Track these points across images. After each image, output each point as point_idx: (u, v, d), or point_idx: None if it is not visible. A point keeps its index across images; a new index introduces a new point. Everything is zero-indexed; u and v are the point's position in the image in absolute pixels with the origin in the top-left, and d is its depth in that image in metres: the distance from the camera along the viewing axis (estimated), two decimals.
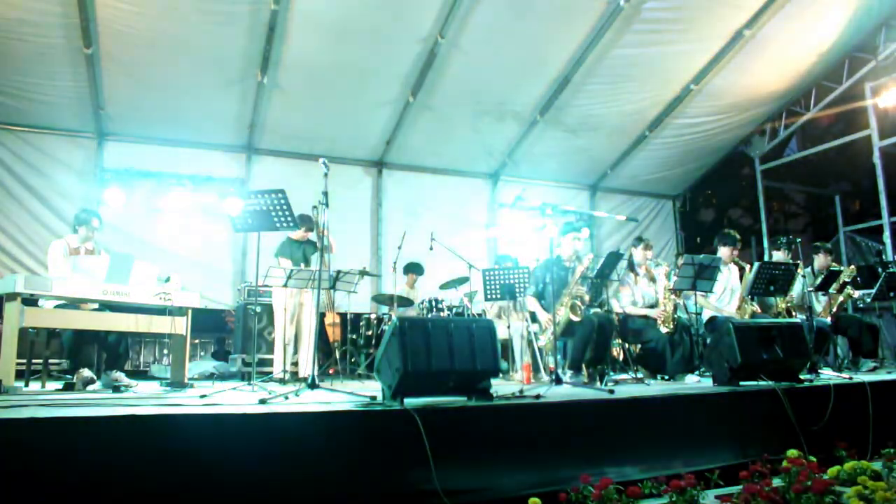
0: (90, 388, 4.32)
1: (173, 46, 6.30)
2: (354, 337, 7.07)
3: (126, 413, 2.41)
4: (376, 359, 3.19)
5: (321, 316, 6.29)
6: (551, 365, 4.98)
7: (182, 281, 5.12)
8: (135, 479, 2.25)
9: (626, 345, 6.00)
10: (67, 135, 7.16)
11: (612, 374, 5.34)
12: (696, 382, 4.83)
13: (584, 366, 4.94)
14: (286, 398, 3.31)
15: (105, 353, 4.67)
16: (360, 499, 2.56)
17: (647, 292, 5.48)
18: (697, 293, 5.34)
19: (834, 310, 6.19)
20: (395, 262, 6.71)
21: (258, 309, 6.04)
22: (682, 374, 5.08)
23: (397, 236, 6.83)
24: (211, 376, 6.70)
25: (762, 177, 9.70)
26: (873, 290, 6.14)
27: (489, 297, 5.65)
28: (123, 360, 4.80)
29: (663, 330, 5.14)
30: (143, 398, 3.57)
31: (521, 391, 3.57)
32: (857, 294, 6.47)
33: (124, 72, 6.51)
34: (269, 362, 6.16)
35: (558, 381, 4.28)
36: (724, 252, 5.73)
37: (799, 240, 5.99)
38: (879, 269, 6.33)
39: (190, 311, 4.72)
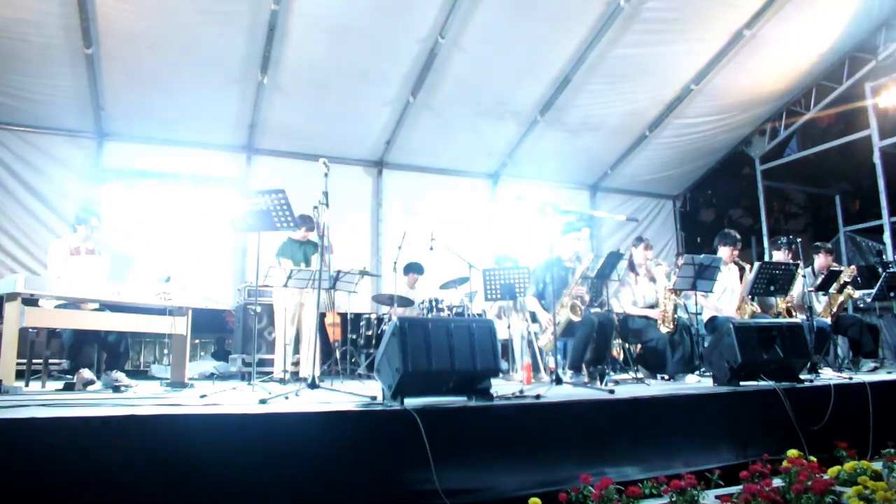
0: (90, 388, 4.32)
1: (173, 46, 6.30)
2: (354, 337, 7.07)
3: (126, 413, 2.41)
4: (376, 359, 3.19)
5: (321, 316, 6.28)
6: (551, 365, 4.98)
7: (182, 281, 5.13)
8: (135, 479, 2.25)
9: (626, 345, 6.00)
10: (67, 135, 7.16)
11: (611, 374, 5.34)
12: (696, 382, 4.83)
13: (584, 366, 4.94)
14: (286, 398, 3.31)
15: (105, 353, 4.67)
16: (360, 499, 2.55)
17: (647, 292, 5.48)
18: (697, 293, 5.34)
19: (834, 310, 6.19)
20: (395, 262, 6.71)
21: (258, 309, 6.04)
22: (682, 374, 5.08)
23: (397, 236, 6.83)
24: (211, 376, 6.70)
25: (762, 177, 9.70)
26: (873, 290, 6.14)
27: (489, 297, 5.65)
28: (123, 360, 4.80)
29: (663, 330, 5.14)
30: (143, 398, 3.57)
31: (521, 391, 3.57)
32: (857, 294, 6.47)
33: (124, 72, 6.51)
34: (270, 362, 6.16)
35: (558, 381, 4.28)
36: (724, 252, 5.73)
37: (799, 240, 5.99)
38: (880, 269, 6.32)
39: (190, 311, 4.73)
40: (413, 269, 7.45)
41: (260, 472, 2.42)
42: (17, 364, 3.94)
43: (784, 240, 5.99)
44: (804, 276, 6.05)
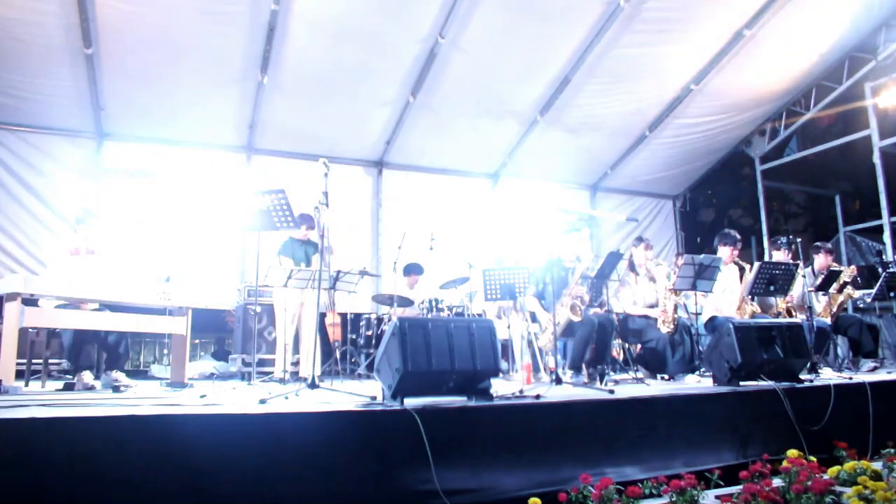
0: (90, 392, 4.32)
1: (173, 46, 6.30)
2: (354, 337, 7.07)
3: (126, 413, 2.41)
4: (376, 359, 3.19)
5: (321, 316, 6.28)
6: (551, 365, 4.98)
7: (182, 280, 5.13)
8: (135, 478, 2.25)
9: (626, 345, 6.00)
10: (67, 135, 7.15)
11: (611, 374, 5.34)
12: (696, 382, 4.83)
13: (584, 366, 4.94)
14: (286, 398, 3.31)
15: (105, 353, 4.67)
16: (360, 499, 2.55)
17: (647, 292, 5.48)
18: (697, 293, 5.34)
19: (834, 310, 6.19)
20: (395, 262, 6.71)
21: (258, 309, 6.04)
22: (682, 374, 5.08)
23: (397, 236, 6.82)
24: (211, 376, 6.70)
25: (762, 177, 9.70)
26: (873, 290, 6.14)
27: (489, 297, 5.65)
28: (123, 360, 4.80)
29: (664, 330, 5.13)
30: (143, 398, 3.57)
31: (521, 391, 3.57)
32: (857, 294, 6.47)
33: (124, 72, 6.51)
34: (270, 362, 6.16)
35: (558, 381, 4.28)
36: (724, 252, 5.72)
37: (799, 240, 5.99)
38: (879, 269, 6.32)
39: (190, 311, 4.72)
40: (413, 270, 7.44)
41: (260, 472, 2.42)
42: (17, 364, 3.94)
43: (784, 240, 5.99)
44: (804, 276, 6.05)
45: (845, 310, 6.46)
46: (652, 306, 5.38)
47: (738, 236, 5.85)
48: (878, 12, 7.58)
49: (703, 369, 5.18)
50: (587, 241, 8.92)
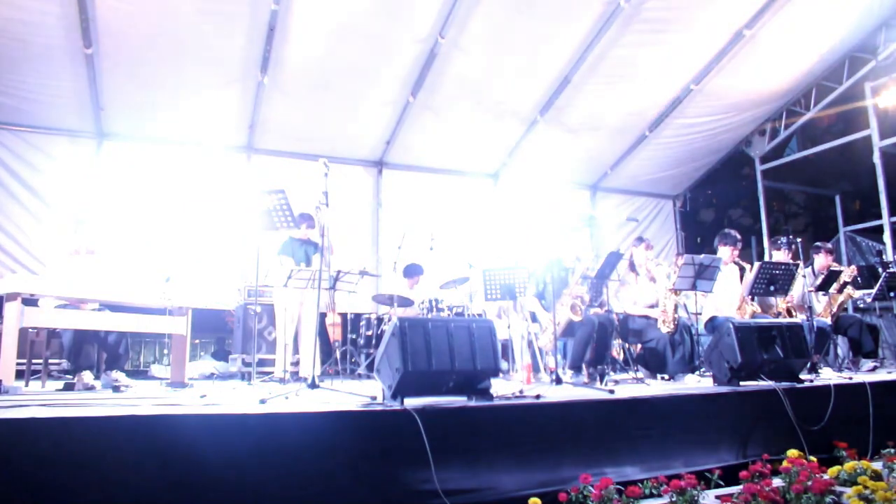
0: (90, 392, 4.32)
1: (173, 46, 6.30)
2: (354, 337, 7.07)
3: (126, 413, 2.41)
4: (376, 359, 3.19)
5: (322, 316, 6.28)
6: (551, 365, 4.98)
7: (182, 281, 5.13)
8: (134, 478, 2.25)
9: (626, 345, 6.00)
10: (67, 135, 7.15)
11: (611, 374, 5.34)
12: (696, 382, 4.83)
13: (584, 366, 4.94)
14: (286, 398, 3.31)
15: (105, 353, 4.68)
16: (360, 499, 2.55)
17: (647, 292, 5.48)
18: (697, 293, 5.34)
19: (834, 310, 6.19)
20: (395, 262, 6.71)
21: (258, 309, 6.04)
22: (682, 374, 5.08)
23: (397, 236, 6.83)
24: (211, 376, 6.70)
25: (762, 177, 9.70)
26: (873, 290, 6.14)
27: (489, 297, 5.65)
28: (123, 360, 4.81)
29: (664, 329, 5.13)
30: (143, 398, 3.57)
31: (521, 391, 3.57)
32: (857, 294, 6.47)
33: (124, 72, 6.51)
34: (270, 362, 6.16)
35: (558, 381, 4.28)
36: (724, 252, 5.72)
37: (799, 240, 5.99)
38: (880, 269, 6.32)
39: (190, 311, 4.72)
40: (413, 271, 7.44)
41: (260, 472, 2.42)
42: (17, 364, 3.94)
43: (784, 240, 5.99)
44: (804, 276, 6.04)
45: (845, 310, 6.46)
46: (652, 306, 5.38)
47: (739, 236, 5.85)
48: (878, 12, 7.59)
49: (703, 369, 5.18)
50: (587, 241, 8.93)
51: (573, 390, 4.03)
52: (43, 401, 3.23)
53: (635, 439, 3.22)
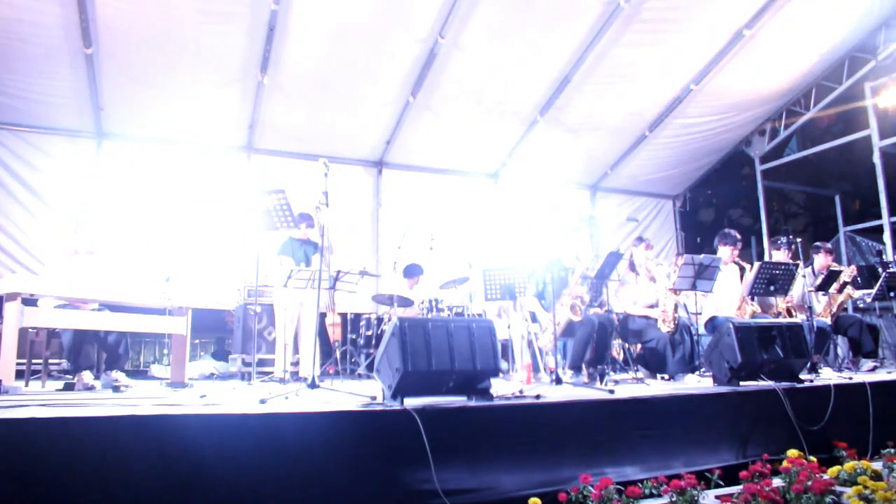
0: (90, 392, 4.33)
1: (173, 46, 6.29)
2: (354, 337, 7.07)
3: (126, 413, 2.41)
4: (376, 359, 3.19)
5: (321, 316, 6.28)
6: (551, 365, 4.98)
7: (182, 281, 5.13)
8: (134, 478, 2.25)
9: (626, 345, 6.00)
10: (67, 135, 7.15)
11: (611, 374, 5.34)
12: (696, 382, 4.82)
13: (584, 366, 4.94)
14: (286, 398, 3.31)
15: (105, 353, 4.67)
16: (360, 499, 2.55)
17: (647, 292, 5.48)
18: (697, 293, 5.34)
19: (834, 310, 6.19)
20: (394, 262, 6.71)
21: (258, 309, 6.04)
22: (682, 374, 5.08)
23: (397, 236, 6.83)
24: (211, 376, 6.70)
25: (762, 177, 9.70)
26: (873, 290, 6.14)
27: (489, 297, 5.65)
28: (123, 360, 4.80)
29: (664, 329, 5.13)
30: (143, 398, 3.57)
31: (521, 391, 3.57)
32: (857, 294, 6.47)
33: (124, 72, 6.51)
34: (270, 362, 6.16)
35: (558, 381, 4.28)
36: (724, 252, 5.72)
37: (799, 240, 5.99)
38: (880, 269, 6.32)
39: (190, 311, 4.72)
40: (413, 271, 7.45)
41: (260, 472, 2.42)
42: (17, 364, 3.94)
43: (784, 240, 5.99)
44: (804, 276, 6.05)
45: (845, 310, 6.46)
46: (652, 306, 5.38)
47: (739, 236, 5.85)
48: (878, 12, 7.59)
49: (703, 369, 5.18)
50: (587, 241, 8.93)
51: (573, 390, 4.03)
52: (43, 401, 3.23)
53: (635, 439, 3.22)
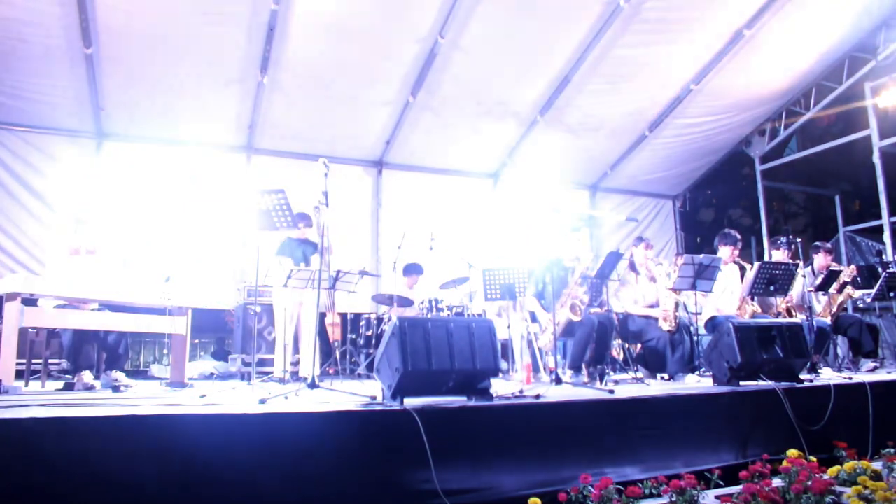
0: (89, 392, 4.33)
1: (173, 46, 6.30)
2: (354, 337, 7.07)
3: (126, 413, 2.41)
4: (376, 359, 3.19)
5: (321, 316, 6.28)
6: (551, 365, 4.98)
7: (182, 280, 5.13)
8: (134, 478, 2.25)
9: (626, 345, 6.00)
10: (67, 135, 7.15)
11: (611, 374, 5.34)
12: (696, 382, 4.83)
13: (584, 366, 4.94)
14: (286, 398, 3.31)
15: (105, 353, 4.68)
16: (360, 498, 2.55)
17: (647, 292, 5.48)
18: (698, 293, 5.34)
19: (834, 310, 6.19)
20: (394, 262, 6.71)
21: (258, 309, 6.04)
22: (681, 374, 5.08)
23: (397, 236, 6.83)
24: (211, 376, 6.70)
25: (762, 177, 9.70)
26: (873, 290, 6.14)
27: (489, 297, 5.65)
28: (123, 360, 4.81)
29: (665, 327, 5.13)
30: (143, 398, 3.57)
31: (521, 391, 3.57)
32: (856, 294, 6.47)
33: (124, 72, 6.51)
34: (269, 362, 6.16)
35: (558, 381, 4.28)
36: (724, 252, 5.73)
37: (799, 240, 5.99)
38: (879, 269, 6.32)
39: (190, 311, 4.72)
40: (413, 270, 7.45)
41: (259, 472, 2.42)
42: (17, 364, 3.94)
43: (784, 240, 5.99)
44: (804, 276, 6.05)
45: (845, 310, 6.47)
46: (652, 306, 5.38)
47: (739, 236, 5.85)
48: (878, 12, 7.59)
49: (702, 369, 5.18)
50: (587, 241, 8.93)
51: (573, 390, 4.03)
52: (43, 401, 3.23)
53: (635, 439, 3.22)
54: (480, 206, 9.10)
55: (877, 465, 3.20)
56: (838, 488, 2.85)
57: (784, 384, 3.91)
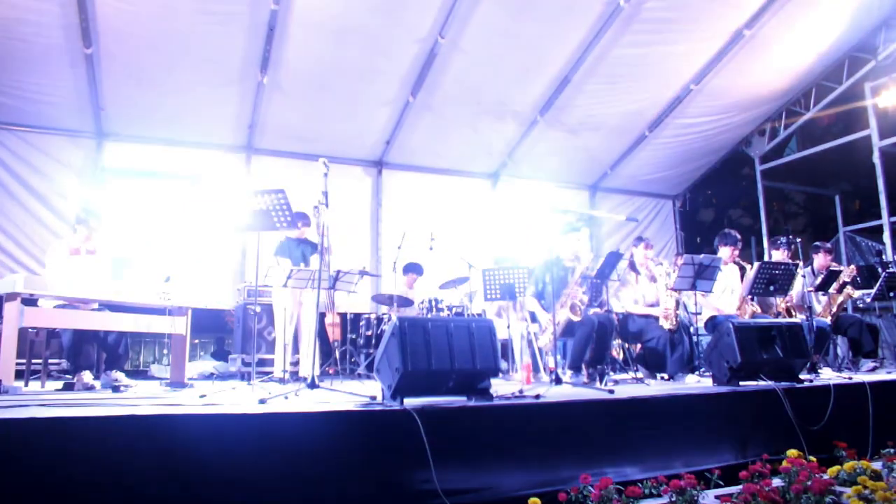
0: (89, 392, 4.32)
1: (173, 46, 6.30)
2: (354, 337, 7.07)
3: (126, 413, 2.41)
4: (376, 359, 3.19)
5: (321, 316, 6.28)
6: (551, 365, 4.98)
7: (182, 281, 5.13)
8: (134, 479, 2.24)
9: (626, 345, 6.00)
10: (67, 135, 7.16)
11: (611, 374, 5.34)
12: (696, 382, 4.82)
13: (583, 366, 4.94)
14: (286, 398, 3.31)
15: (105, 353, 4.67)
16: (360, 499, 2.55)
17: (648, 292, 5.48)
18: (697, 293, 5.34)
19: (834, 310, 6.19)
20: (394, 262, 6.71)
21: (258, 309, 6.04)
22: (681, 373, 5.08)
23: (397, 236, 6.83)
24: (210, 376, 6.70)
25: (762, 177, 9.70)
26: (873, 290, 6.14)
27: (489, 297, 5.65)
28: (123, 360, 4.80)
29: (666, 326, 5.13)
30: (143, 398, 3.57)
31: (521, 391, 3.57)
32: (856, 294, 6.47)
33: (124, 72, 6.51)
34: (269, 362, 6.16)
35: (558, 381, 4.28)
36: (724, 252, 5.73)
37: (798, 240, 5.99)
38: (879, 269, 6.32)
39: (190, 311, 4.72)
40: (412, 269, 7.45)
41: (259, 472, 2.42)
42: (17, 364, 3.94)
43: (783, 240, 5.99)
44: (804, 276, 6.05)
45: (845, 310, 6.47)
46: (653, 305, 5.38)
47: (739, 236, 5.85)
48: (878, 12, 7.59)
49: (702, 369, 5.18)
50: (587, 241, 8.93)
51: (573, 390, 4.02)
52: (42, 401, 3.23)
53: (635, 439, 3.22)
54: (480, 206, 9.10)
55: (877, 465, 3.20)
56: (838, 488, 2.85)
57: (784, 384, 3.91)
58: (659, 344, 5.13)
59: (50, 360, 5.23)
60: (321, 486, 2.50)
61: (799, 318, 5.73)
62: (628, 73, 7.54)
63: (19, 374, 4.27)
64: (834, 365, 5.88)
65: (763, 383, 3.98)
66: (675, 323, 5.13)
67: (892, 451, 3.55)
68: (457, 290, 7.13)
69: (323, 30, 6.42)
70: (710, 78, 7.78)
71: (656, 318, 5.23)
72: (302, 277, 5.24)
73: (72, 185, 7.10)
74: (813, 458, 3.18)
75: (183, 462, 2.32)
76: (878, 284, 6.04)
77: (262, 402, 3.06)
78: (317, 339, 4.29)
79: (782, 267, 5.32)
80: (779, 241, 6.11)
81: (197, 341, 9.48)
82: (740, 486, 2.82)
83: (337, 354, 6.46)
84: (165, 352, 7.69)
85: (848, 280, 6.17)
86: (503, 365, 6.04)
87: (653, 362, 5.30)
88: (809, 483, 2.79)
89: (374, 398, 3.18)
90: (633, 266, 5.56)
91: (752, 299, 5.63)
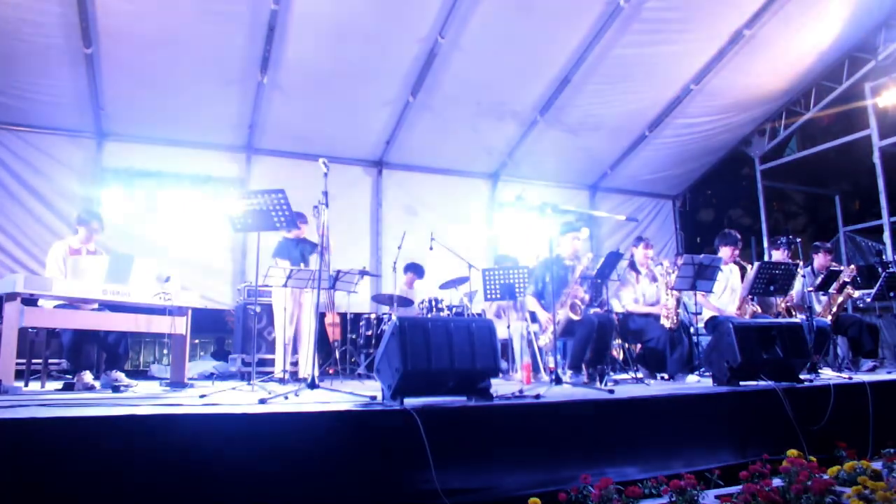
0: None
1: (173, 46, 6.30)
2: (354, 337, 7.07)
3: (126, 413, 2.41)
4: (376, 359, 3.19)
5: (321, 316, 6.28)
6: (551, 365, 4.98)
7: (182, 281, 5.12)
8: (134, 478, 2.25)
9: (626, 345, 6.00)
10: (67, 135, 7.16)
11: (611, 374, 5.34)
12: (696, 382, 4.83)
13: (584, 366, 4.94)
14: (286, 398, 3.31)
15: (105, 353, 4.67)
16: (360, 499, 2.55)
17: (648, 291, 5.48)
18: (697, 293, 5.34)
19: (834, 310, 6.19)
20: (394, 262, 6.71)
21: (258, 309, 6.04)
22: (681, 373, 5.08)
23: (397, 236, 6.83)
24: (210, 376, 6.70)
25: (762, 177, 9.70)
26: (873, 290, 6.14)
27: (489, 296, 5.65)
28: (123, 360, 4.80)
29: (667, 325, 5.13)
30: (143, 398, 3.57)
31: (521, 391, 3.57)
32: (856, 294, 6.47)
33: (124, 72, 6.51)
34: (269, 362, 6.17)
35: (558, 381, 4.28)
36: (724, 252, 5.73)
37: (798, 240, 5.99)
38: (879, 269, 6.32)
39: (190, 311, 4.72)
40: (413, 269, 7.45)
41: (259, 472, 2.42)
42: (17, 364, 3.94)
43: (783, 239, 5.99)
44: (804, 276, 6.05)
45: (845, 310, 6.47)
46: (653, 305, 5.38)
47: (739, 236, 5.85)
48: (878, 12, 7.59)
49: (702, 369, 5.18)
50: (586, 241, 8.92)
51: (573, 390, 4.02)
52: (43, 401, 3.23)
53: (635, 439, 3.22)
54: (480, 206, 9.10)
55: (877, 465, 3.20)
56: (838, 488, 2.85)
57: (784, 384, 3.91)
58: (659, 344, 5.13)
59: (50, 360, 5.23)
60: (321, 486, 2.50)
61: (799, 318, 5.73)
62: (628, 73, 7.54)
63: (19, 374, 4.27)
64: (834, 365, 5.88)
65: (763, 383, 3.98)
66: (675, 321, 5.13)
67: (892, 451, 3.54)
68: (457, 290, 7.13)
69: (323, 30, 6.42)
70: (710, 78, 7.78)
71: (657, 318, 5.23)
72: (302, 277, 5.24)
73: (72, 186, 7.10)
74: (813, 458, 3.18)
75: (183, 462, 2.32)
76: (878, 284, 6.04)
77: (262, 402, 3.06)
78: (316, 339, 4.29)
79: (782, 267, 5.32)
80: (779, 241, 6.11)
81: (197, 341, 9.49)
82: (740, 487, 2.82)
83: (337, 354, 6.47)
84: (165, 352, 7.69)
85: (848, 280, 6.17)
86: (503, 365, 6.04)
87: (653, 362, 5.30)
88: (809, 483, 2.79)
89: (374, 398, 3.18)
90: (633, 266, 5.56)
91: (753, 299, 5.63)
